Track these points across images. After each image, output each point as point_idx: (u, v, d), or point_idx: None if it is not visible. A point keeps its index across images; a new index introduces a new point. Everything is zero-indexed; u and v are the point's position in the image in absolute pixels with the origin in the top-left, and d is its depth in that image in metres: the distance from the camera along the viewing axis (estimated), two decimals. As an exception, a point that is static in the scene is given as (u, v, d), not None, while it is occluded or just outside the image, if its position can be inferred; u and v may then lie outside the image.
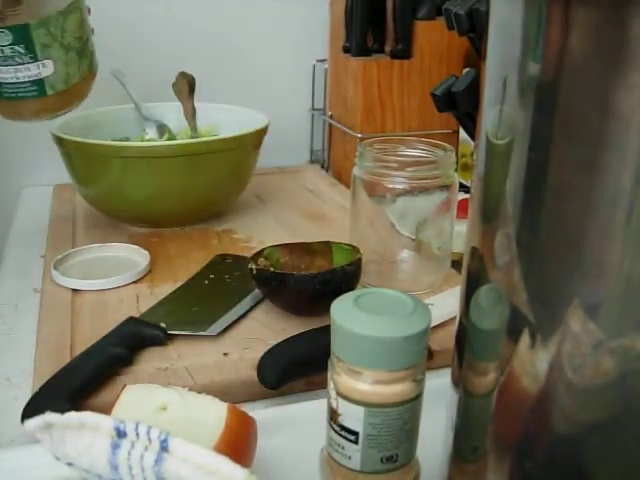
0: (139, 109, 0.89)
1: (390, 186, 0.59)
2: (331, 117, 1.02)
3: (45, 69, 0.58)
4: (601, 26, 0.21)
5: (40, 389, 0.45)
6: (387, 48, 0.94)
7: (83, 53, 0.61)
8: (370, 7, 0.91)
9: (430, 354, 0.50)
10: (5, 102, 0.58)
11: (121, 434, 0.29)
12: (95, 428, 0.29)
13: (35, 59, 0.57)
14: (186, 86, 0.83)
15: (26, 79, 0.57)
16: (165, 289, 0.63)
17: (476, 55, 0.57)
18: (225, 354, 0.52)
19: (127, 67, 0.91)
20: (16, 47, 0.56)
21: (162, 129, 0.89)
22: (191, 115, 0.84)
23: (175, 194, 0.74)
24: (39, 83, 0.58)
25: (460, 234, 0.60)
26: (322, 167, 1.07)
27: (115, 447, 0.29)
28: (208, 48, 1.01)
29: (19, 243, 0.78)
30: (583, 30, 0.21)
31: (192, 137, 0.84)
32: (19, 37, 0.56)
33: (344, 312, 0.33)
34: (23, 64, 0.57)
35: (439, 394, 0.36)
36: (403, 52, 0.89)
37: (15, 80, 0.57)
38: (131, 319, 0.55)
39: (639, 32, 0.20)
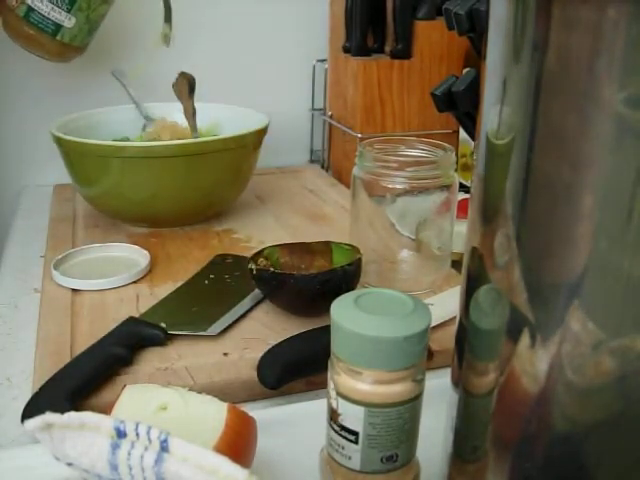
0: (139, 109, 0.89)
1: (390, 186, 0.59)
2: (331, 117, 1.02)
3: (68, 22, 0.76)
4: (602, 25, 0.21)
5: (40, 389, 0.45)
6: (387, 48, 0.94)
7: (91, 31, 0.80)
8: (370, 7, 0.91)
9: (430, 354, 0.51)
10: (25, 24, 0.75)
11: (121, 434, 0.29)
12: (95, 428, 0.29)
13: (69, 11, 0.75)
14: (186, 86, 0.83)
15: (52, 18, 0.75)
16: (165, 289, 0.63)
17: (476, 55, 0.57)
18: (225, 354, 0.52)
19: (127, 67, 0.91)
20: None
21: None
22: (191, 115, 0.84)
23: (175, 194, 0.74)
24: (58, 27, 0.76)
25: (460, 234, 0.60)
26: (322, 167, 1.07)
27: (115, 447, 0.29)
28: (208, 48, 1.01)
29: (19, 243, 0.78)
30: (583, 30, 0.21)
31: (192, 137, 0.84)
32: None
33: (344, 312, 0.33)
34: (59, 8, 0.74)
35: (439, 394, 0.36)
36: (403, 52, 0.89)
37: (45, 14, 0.74)
38: (131, 319, 0.55)
39: (638, 32, 0.20)
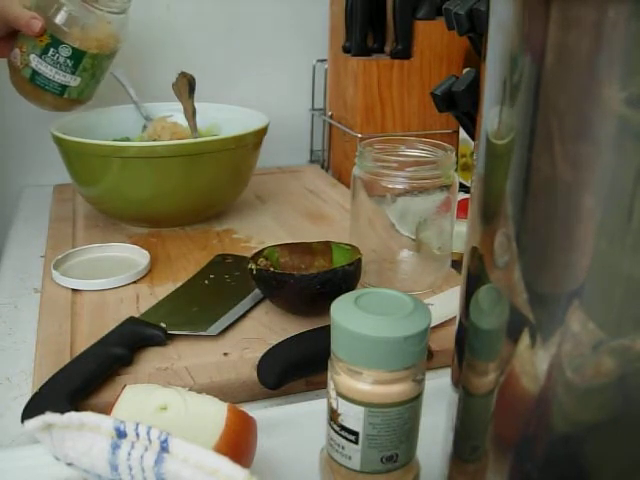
0: (139, 109, 0.89)
1: (390, 186, 0.59)
2: (331, 117, 1.02)
3: (74, 82, 0.76)
4: (601, 25, 0.21)
5: (40, 389, 0.45)
6: (387, 48, 0.94)
7: (97, 83, 0.80)
8: (370, 7, 0.91)
9: (430, 354, 0.51)
10: (32, 86, 0.76)
11: (121, 434, 0.29)
12: (95, 428, 0.29)
13: (73, 73, 0.75)
14: (186, 86, 0.83)
15: (58, 80, 0.75)
16: (165, 289, 0.63)
17: (476, 55, 0.57)
18: (225, 354, 0.52)
19: (127, 67, 0.91)
20: (68, 60, 0.74)
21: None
22: (191, 115, 0.84)
23: (175, 194, 0.74)
24: (64, 87, 0.76)
25: (460, 234, 0.60)
26: (322, 167, 1.07)
27: (115, 447, 0.29)
28: (208, 48, 1.01)
29: (19, 243, 0.78)
30: (583, 29, 0.21)
31: (192, 137, 0.84)
32: (75, 56, 0.74)
33: (344, 312, 0.33)
34: (63, 71, 0.74)
35: (439, 394, 0.36)
36: (403, 52, 0.89)
37: (50, 77, 0.74)
38: (131, 319, 0.55)
39: (638, 32, 0.20)
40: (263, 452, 0.39)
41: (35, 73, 0.74)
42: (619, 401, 0.24)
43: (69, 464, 0.30)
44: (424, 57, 0.90)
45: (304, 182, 0.98)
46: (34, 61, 0.74)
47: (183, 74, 0.83)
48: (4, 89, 0.90)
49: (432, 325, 0.37)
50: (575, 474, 0.26)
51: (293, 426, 0.44)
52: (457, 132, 0.90)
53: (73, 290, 0.62)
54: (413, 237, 0.62)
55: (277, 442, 0.41)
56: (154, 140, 0.83)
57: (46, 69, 0.74)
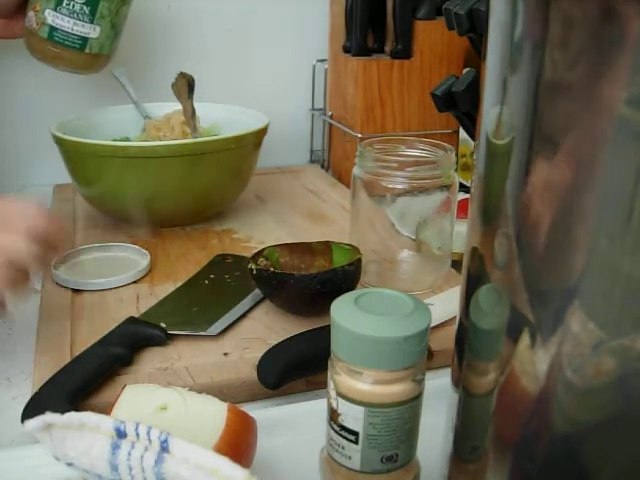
0: (139, 109, 0.89)
1: (390, 186, 0.59)
2: (331, 117, 1.02)
3: (94, 32, 0.73)
4: (601, 25, 0.21)
5: (40, 389, 0.45)
6: (387, 48, 0.94)
7: (117, 36, 0.77)
8: (370, 7, 0.91)
9: (430, 354, 0.51)
10: (50, 44, 0.73)
11: (121, 434, 0.29)
12: (95, 428, 0.29)
13: (91, 22, 0.73)
14: (186, 86, 0.83)
15: (77, 33, 0.73)
16: (165, 289, 0.63)
17: (476, 55, 0.57)
18: (225, 354, 0.52)
19: (127, 67, 0.91)
20: (84, 7, 0.72)
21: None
22: (191, 115, 0.84)
23: (175, 194, 0.74)
24: (84, 40, 0.74)
25: (460, 234, 0.60)
26: (322, 167, 1.07)
27: (115, 447, 0.29)
28: (208, 48, 1.01)
29: (19, 243, 0.77)
30: (583, 29, 0.21)
31: (192, 137, 0.84)
32: (90, 1, 0.72)
33: (344, 312, 0.33)
34: (82, 21, 0.72)
35: (439, 394, 0.36)
36: (403, 52, 0.89)
37: (69, 30, 0.72)
38: (131, 319, 0.55)
39: (638, 32, 0.20)
40: (263, 452, 0.39)
41: (53, 29, 0.72)
42: (619, 401, 0.24)
43: (69, 464, 0.30)
44: (424, 57, 0.90)
45: (304, 182, 0.98)
46: (50, 16, 0.72)
47: (182, 74, 0.83)
48: (5, 89, 0.90)
49: (432, 325, 0.37)
50: (575, 474, 0.26)
51: (293, 426, 0.44)
52: (457, 132, 0.90)
53: (73, 290, 0.62)
54: (413, 237, 0.62)
55: (277, 442, 0.41)
56: (156, 137, 0.83)
57: (63, 22, 0.72)
